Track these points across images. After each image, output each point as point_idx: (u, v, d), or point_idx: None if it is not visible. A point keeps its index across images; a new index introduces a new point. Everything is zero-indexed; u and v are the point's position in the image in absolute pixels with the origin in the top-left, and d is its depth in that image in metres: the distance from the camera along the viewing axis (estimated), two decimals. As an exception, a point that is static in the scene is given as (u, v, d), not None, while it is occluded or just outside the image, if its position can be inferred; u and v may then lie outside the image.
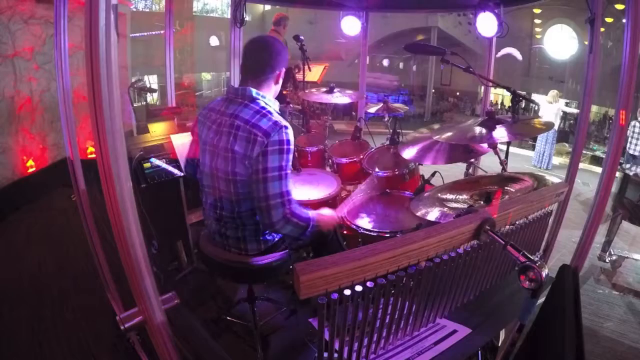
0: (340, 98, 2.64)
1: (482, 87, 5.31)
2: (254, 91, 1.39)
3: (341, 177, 2.29)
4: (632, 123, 5.15)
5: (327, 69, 5.43)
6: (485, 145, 1.79)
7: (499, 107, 10.63)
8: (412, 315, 0.96)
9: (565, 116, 8.14)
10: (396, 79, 12.14)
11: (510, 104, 1.71)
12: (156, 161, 2.11)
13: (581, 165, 4.03)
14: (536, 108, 6.86)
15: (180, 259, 2.33)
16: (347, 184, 2.36)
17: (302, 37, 2.96)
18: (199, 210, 2.31)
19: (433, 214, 1.24)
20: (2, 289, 2.28)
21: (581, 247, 1.64)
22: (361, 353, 0.90)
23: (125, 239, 0.78)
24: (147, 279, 0.83)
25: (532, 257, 0.83)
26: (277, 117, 1.36)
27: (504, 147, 1.83)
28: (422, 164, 2.11)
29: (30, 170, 3.59)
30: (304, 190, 2.10)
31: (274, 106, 1.44)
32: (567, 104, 7.86)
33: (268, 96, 1.44)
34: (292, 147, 1.36)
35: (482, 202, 1.27)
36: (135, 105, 4.55)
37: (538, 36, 9.76)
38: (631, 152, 5.20)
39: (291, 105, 3.14)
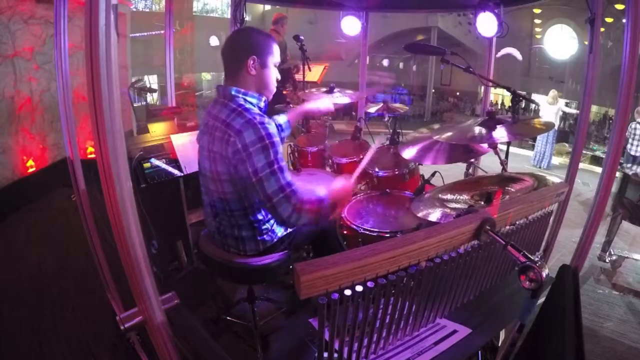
0: (340, 98, 2.63)
1: (482, 87, 5.31)
2: (233, 89, 1.36)
3: (341, 177, 2.29)
4: (633, 125, 5.17)
5: (327, 69, 5.43)
6: (485, 145, 1.79)
7: (499, 107, 10.63)
8: (412, 315, 0.96)
9: (565, 116, 8.14)
10: (390, 75, 12.12)
11: (510, 104, 1.71)
12: (156, 161, 2.11)
13: (581, 165, 4.03)
14: (537, 108, 6.86)
15: (180, 259, 2.33)
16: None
17: (302, 37, 2.96)
18: (199, 210, 2.31)
19: (433, 214, 1.24)
20: (2, 289, 2.28)
21: (581, 247, 1.64)
22: (361, 353, 0.90)
23: (125, 239, 0.78)
24: (147, 279, 0.83)
25: (532, 257, 0.82)
26: (253, 114, 1.30)
27: (504, 147, 1.83)
28: (422, 164, 2.11)
29: (30, 170, 3.60)
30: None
31: (256, 102, 1.39)
32: (567, 104, 7.86)
33: (250, 91, 1.38)
34: (276, 139, 1.29)
35: (482, 202, 1.27)
36: (135, 105, 4.56)
37: (538, 36, 9.76)
38: (632, 153, 5.22)
39: (291, 105, 3.14)
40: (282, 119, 1.77)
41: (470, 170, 2.01)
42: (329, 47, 8.80)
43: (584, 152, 7.20)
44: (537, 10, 9.42)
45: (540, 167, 6.35)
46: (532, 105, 6.92)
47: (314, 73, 4.91)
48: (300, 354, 1.74)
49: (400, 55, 12.35)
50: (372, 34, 3.91)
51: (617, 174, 2.77)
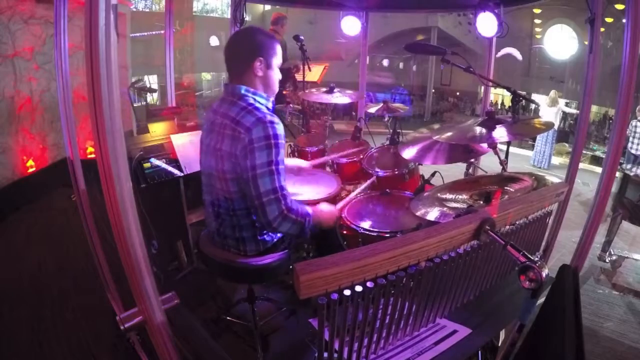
0: (340, 98, 2.63)
1: (482, 87, 5.31)
2: (242, 88, 1.37)
3: (341, 177, 2.29)
4: (634, 123, 5.14)
5: (327, 69, 5.43)
6: (485, 145, 1.79)
7: (499, 107, 10.63)
8: (412, 316, 0.96)
9: (565, 116, 8.14)
10: (390, 75, 12.14)
11: (510, 104, 1.71)
12: (156, 161, 2.11)
13: (581, 165, 4.03)
14: (537, 108, 6.86)
15: (180, 259, 2.33)
16: (347, 184, 2.36)
17: (302, 37, 2.96)
18: (199, 210, 2.31)
19: (433, 214, 1.24)
20: (2, 289, 2.28)
21: (581, 247, 1.64)
22: (361, 353, 0.90)
23: (125, 239, 0.78)
24: (147, 279, 0.83)
25: (532, 257, 0.82)
26: (263, 112, 1.31)
27: (504, 147, 1.83)
28: (422, 164, 2.11)
29: (30, 170, 3.60)
30: (304, 190, 2.10)
31: (265, 102, 1.41)
32: (567, 104, 7.86)
33: (259, 91, 1.40)
34: (281, 141, 1.31)
35: (482, 202, 1.27)
36: (135, 105, 4.56)
37: (538, 36, 9.76)
38: (633, 151, 5.19)
39: (291, 105, 3.15)
40: None
41: (470, 170, 2.01)
42: (329, 47, 8.80)
43: (584, 152, 7.20)
44: (537, 10, 9.42)
45: (540, 167, 6.35)
46: (532, 105, 6.92)
47: (314, 73, 4.92)
48: (300, 354, 1.74)
49: (400, 55, 12.34)
50: (372, 34, 3.92)
51: (617, 174, 2.77)
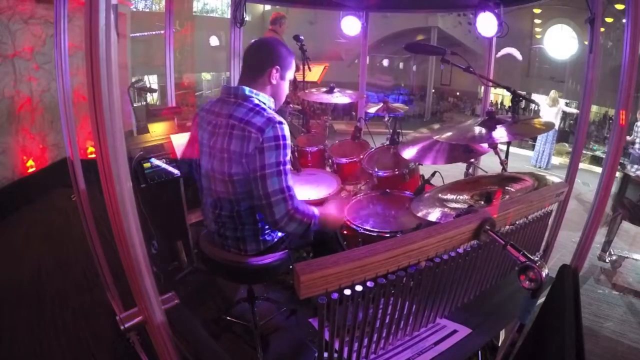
0: (340, 98, 2.64)
1: (482, 87, 5.31)
2: (247, 89, 1.38)
3: (341, 177, 2.29)
4: (639, 124, 5.10)
5: (327, 69, 5.43)
6: (485, 145, 1.79)
7: (499, 107, 10.63)
8: (412, 315, 0.96)
9: (565, 116, 8.14)
10: (390, 79, 12.16)
11: (510, 104, 1.71)
12: (156, 161, 2.11)
13: (581, 165, 4.03)
14: (537, 108, 6.86)
15: (180, 259, 2.33)
16: (347, 184, 2.36)
17: (302, 37, 2.96)
18: (199, 210, 2.30)
19: (433, 214, 1.24)
20: (2, 289, 2.28)
21: (581, 247, 1.64)
22: (361, 353, 0.90)
23: (125, 239, 0.78)
24: (147, 279, 0.83)
25: (532, 257, 0.82)
26: (271, 113, 1.34)
27: (504, 147, 1.83)
28: (422, 164, 2.11)
29: (30, 170, 3.59)
30: (304, 190, 2.11)
31: (269, 103, 1.43)
32: (567, 104, 7.85)
33: (262, 92, 1.42)
34: (288, 142, 1.33)
35: (482, 202, 1.27)
36: (135, 105, 4.56)
37: (538, 36, 9.75)
38: (637, 154, 5.14)
39: (291, 105, 3.14)
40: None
41: (470, 170, 2.01)
42: (329, 47, 8.80)
43: (584, 152, 7.20)
44: (537, 10, 9.41)
45: (540, 167, 6.35)
46: (532, 105, 6.91)
47: (314, 73, 4.91)
48: (300, 354, 1.74)
49: (400, 55, 12.34)
50: (372, 34, 3.91)
51: (617, 174, 2.77)
